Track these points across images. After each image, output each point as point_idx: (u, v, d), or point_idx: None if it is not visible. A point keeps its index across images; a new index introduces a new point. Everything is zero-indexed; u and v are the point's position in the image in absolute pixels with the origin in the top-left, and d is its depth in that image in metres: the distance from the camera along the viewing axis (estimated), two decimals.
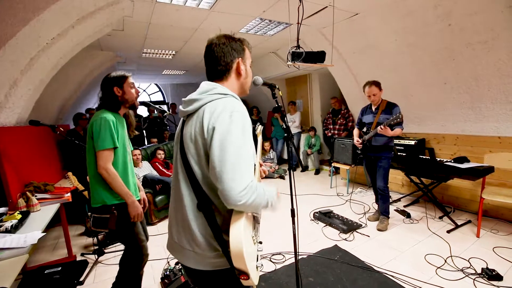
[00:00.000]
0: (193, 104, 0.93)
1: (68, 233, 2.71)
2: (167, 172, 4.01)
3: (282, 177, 5.48)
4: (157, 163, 4.07)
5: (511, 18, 2.39)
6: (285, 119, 1.39)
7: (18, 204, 2.12)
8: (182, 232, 0.95)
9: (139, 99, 1.81)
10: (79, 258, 2.71)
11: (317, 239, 2.85)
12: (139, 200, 1.75)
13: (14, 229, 1.75)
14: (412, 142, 3.70)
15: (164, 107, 9.93)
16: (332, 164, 4.67)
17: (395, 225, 3.06)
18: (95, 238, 2.87)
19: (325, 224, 3.17)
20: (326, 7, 3.06)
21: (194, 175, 0.91)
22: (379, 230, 2.95)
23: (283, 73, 5.88)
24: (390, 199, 3.30)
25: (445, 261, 2.30)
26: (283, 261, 2.45)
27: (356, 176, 4.62)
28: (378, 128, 2.71)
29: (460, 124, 3.36)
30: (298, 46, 2.63)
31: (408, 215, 3.22)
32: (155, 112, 5.99)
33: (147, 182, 3.60)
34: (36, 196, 2.31)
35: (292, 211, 1.36)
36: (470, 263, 2.24)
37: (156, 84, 10.59)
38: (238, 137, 0.83)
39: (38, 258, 2.76)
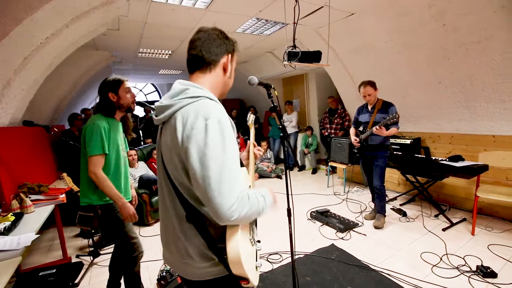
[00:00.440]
0: (164, 112, 0.85)
1: (63, 235, 2.68)
2: None
3: (279, 177, 5.49)
4: (153, 163, 4.05)
5: (504, 18, 2.41)
6: (282, 119, 1.39)
7: (12, 205, 2.10)
8: (173, 244, 0.91)
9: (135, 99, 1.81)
10: (74, 260, 2.68)
11: (314, 238, 2.86)
12: (130, 201, 1.79)
13: (7, 231, 1.73)
14: (408, 141, 3.72)
15: None
16: (329, 164, 4.69)
17: (391, 223, 3.08)
18: (91, 239, 2.84)
19: (322, 223, 3.18)
20: (322, 7, 3.07)
21: (178, 188, 0.85)
22: (375, 227, 2.97)
23: (280, 73, 5.89)
24: (387, 198, 3.33)
25: (441, 259, 2.32)
26: (280, 261, 2.45)
27: (353, 175, 4.65)
28: (374, 128, 2.72)
29: (455, 123, 3.39)
30: (294, 46, 2.63)
31: (404, 214, 3.24)
32: (152, 112, 5.95)
33: (143, 182, 3.57)
34: (30, 197, 2.28)
35: (288, 210, 1.35)
36: (465, 260, 2.26)
37: (152, 84, 10.54)
38: (217, 148, 0.75)
39: (33, 260, 2.72)
